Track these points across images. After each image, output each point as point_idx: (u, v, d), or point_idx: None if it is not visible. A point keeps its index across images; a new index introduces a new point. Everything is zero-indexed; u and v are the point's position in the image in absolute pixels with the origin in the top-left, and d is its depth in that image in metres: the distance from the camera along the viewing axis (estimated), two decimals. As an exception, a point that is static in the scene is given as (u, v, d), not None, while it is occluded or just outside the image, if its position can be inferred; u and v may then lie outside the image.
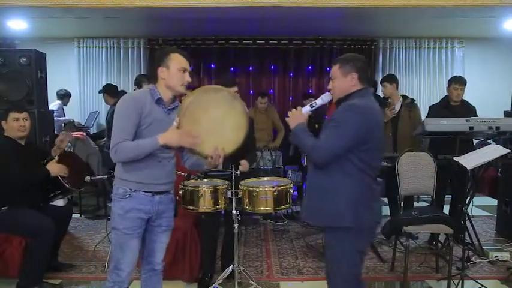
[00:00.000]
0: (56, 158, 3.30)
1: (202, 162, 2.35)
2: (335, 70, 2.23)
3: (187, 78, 2.26)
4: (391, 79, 4.68)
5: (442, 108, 4.33)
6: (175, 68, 2.23)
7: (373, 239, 2.25)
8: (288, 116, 2.27)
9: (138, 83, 4.75)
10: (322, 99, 2.29)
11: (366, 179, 2.14)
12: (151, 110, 2.20)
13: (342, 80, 2.20)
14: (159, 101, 2.23)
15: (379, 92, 5.97)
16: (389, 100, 4.63)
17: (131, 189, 2.22)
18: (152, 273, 2.44)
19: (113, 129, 2.20)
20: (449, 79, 4.41)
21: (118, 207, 2.23)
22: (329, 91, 2.29)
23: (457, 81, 4.27)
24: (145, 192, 2.24)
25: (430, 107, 4.65)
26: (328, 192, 2.15)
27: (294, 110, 2.29)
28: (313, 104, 2.30)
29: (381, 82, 4.78)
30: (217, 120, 2.24)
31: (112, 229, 2.27)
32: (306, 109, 2.28)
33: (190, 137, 2.16)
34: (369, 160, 2.13)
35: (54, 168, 3.23)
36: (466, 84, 4.28)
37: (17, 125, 3.27)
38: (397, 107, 4.57)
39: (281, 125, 5.89)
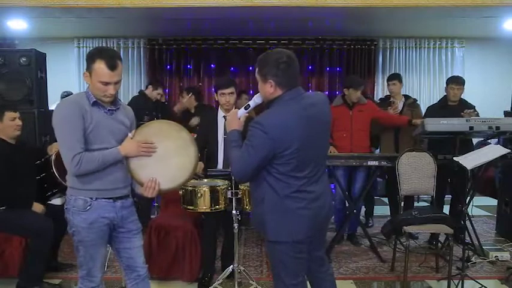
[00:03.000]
0: (53, 156, 3.29)
1: (135, 183, 2.30)
2: (256, 73, 2.12)
3: (110, 91, 2.09)
4: (401, 78, 4.73)
5: (440, 109, 4.32)
6: (96, 80, 2.07)
7: (302, 249, 2.12)
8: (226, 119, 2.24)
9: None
10: (255, 101, 2.21)
11: (292, 191, 2.04)
12: (91, 114, 2.09)
13: (263, 86, 2.09)
14: (95, 103, 2.12)
15: (379, 91, 5.95)
16: (392, 99, 4.63)
17: (91, 198, 2.12)
18: (138, 279, 2.32)
19: (62, 139, 2.07)
20: (447, 79, 4.41)
21: (80, 220, 2.12)
22: None
23: (454, 81, 4.27)
24: (107, 199, 2.16)
25: (428, 107, 4.63)
26: (257, 202, 2.13)
27: (232, 111, 2.27)
28: (247, 106, 2.23)
29: (392, 80, 4.73)
30: (167, 154, 2.20)
31: (78, 242, 2.15)
32: (241, 112, 2.24)
33: (146, 145, 2.13)
34: (294, 172, 2.02)
35: (38, 207, 3.29)
36: (463, 84, 4.27)
37: (14, 124, 3.25)
38: (400, 107, 4.58)
39: None
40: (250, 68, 7.28)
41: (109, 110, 2.18)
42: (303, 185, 2.06)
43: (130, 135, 2.18)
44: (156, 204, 4.30)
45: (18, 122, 3.28)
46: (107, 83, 2.08)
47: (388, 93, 4.97)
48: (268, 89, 2.06)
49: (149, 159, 2.18)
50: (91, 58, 2.09)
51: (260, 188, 2.08)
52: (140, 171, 2.19)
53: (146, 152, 2.16)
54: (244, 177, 2.13)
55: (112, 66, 2.06)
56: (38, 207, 3.30)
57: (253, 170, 2.03)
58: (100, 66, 2.05)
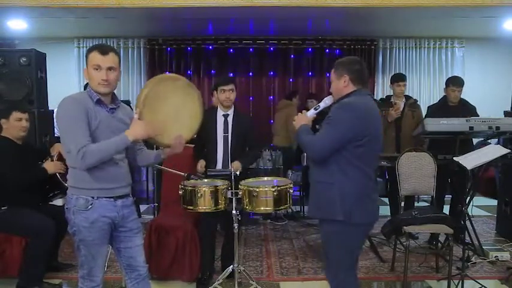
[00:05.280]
0: (55, 157, 3.30)
1: (156, 156, 2.39)
2: (332, 73, 2.35)
3: (102, 76, 2.11)
4: (406, 79, 4.72)
5: (439, 109, 4.31)
6: (90, 67, 2.12)
7: (368, 233, 2.39)
8: (295, 120, 2.41)
9: None
10: (325, 102, 2.37)
11: (360, 176, 2.21)
12: (95, 112, 2.12)
13: (336, 83, 2.31)
14: (98, 101, 2.14)
15: (379, 91, 5.92)
16: (394, 100, 4.62)
17: (93, 197, 2.13)
18: (139, 279, 2.32)
19: (66, 133, 2.08)
20: (447, 80, 4.37)
21: (81, 219, 2.13)
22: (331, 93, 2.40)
23: (455, 83, 4.23)
24: (108, 198, 2.17)
25: (428, 107, 4.62)
26: (324, 187, 2.24)
27: (300, 114, 2.41)
28: (317, 107, 2.39)
29: (402, 80, 4.64)
30: (175, 108, 2.29)
31: (80, 242, 2.15)
32: (311, 112, 2.38)
33: (154, 126, 2.17)
34: (364, 156, 2.19)
35: (51, 166, 3.22)
36: (463, 85, 4.25)
37: (19, 125, 3.27)
38: (401, 108, 4.56)
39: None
40: (251, 68, 7.30)
41: (110, 108, 2.21)
42: (366, 179, 2.23)
43: (136, 115, 2.17)
44: (156, 204, 4.31)
45: (24, 124, 3.29)
46: (99, 66, 2.11)
47: (388, 94, 4.96)
48: (341, 83, 2.28)
49: (164, 123, 2.23)
50: (87, 52, 2.17)
51: (329, 173, 2.21)
52: (162, 137, 2.26)
53: (156, 133, 2.19)
54: (321, 156, 2.21)
55: (103, 52, 2.12)
56: (49, 166, 3.24)
57: (332, 146, 2.16)
58: (93, 54, 2.14)
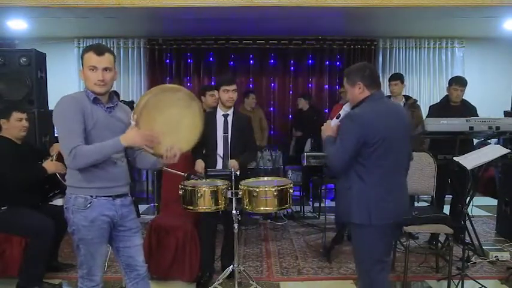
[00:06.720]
0: (54, 157, 3.30)
1: (154, 162, 2.34)
2: (345, 82, 2.44)
3: (98, 76, 2.12)
4: (403, 78, 4.69)
5: (441, 108, 4.32)
6: (86, 68, 2.14)
7: (392, 232, 2.42)
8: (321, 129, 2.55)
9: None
10: (345, 110, 2.46)
11: (377, 180, 2.26)
12: (92, 111, 2.13)
13: (351, 91, 2.38)
14: (95, 100, 2.16)
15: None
16: (393, 100, 4.62)
17: (92, 196, 2.14)
18: (138, 278, 2.33)
19: (61, 132, 2.11)
20: (450, 79, 4.40)
21: (80, 218, 2.14)
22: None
23: (458, 82, 4.25)
24: (107, 196, 2.18)
25: (430, 107, 4.64)
26: (343, 192, 2.36)
27: (325, 123, 2.53)
28: (338, 116, 2.47)
29: (394, 80, 4.64)
30: (174, 120, 2.25)
31: (79, 241, 2.16)
32: (334, 122, 2.48)
33: (151, 137, 2.11)
34: (380, 160, 2.24)
35: (51, 166, 3.21)
36: (466, 85, 4.26)
37: (20, 125, 3.28)
38: None
39: (266, 124, 6.31)
40: (251, 68, 7.31)
41: (108, 107, 2.21)
42: (383, 181, 2.26)
43: (133, 122, 2.14)
44: (156, 204, 4.31)
45: (25, 123, 3.31)
46: (94, 67, 2.12)
47: (389, 94, 4.97)
48: (356, 91, 2.35)
49: (161, 133, 2.16)
50: (83, 53, 2.19)
51: (349, 180, 2.30)
52: (157, 147, 2.19)
53: (150, 143, 2.13)
54: (340, 167, 2.31)
55: (99, 53, 2.13)
56: (49, 165, 3.23)
57: (346, 157, 2.25)
58: (88, 54, 2.14)
